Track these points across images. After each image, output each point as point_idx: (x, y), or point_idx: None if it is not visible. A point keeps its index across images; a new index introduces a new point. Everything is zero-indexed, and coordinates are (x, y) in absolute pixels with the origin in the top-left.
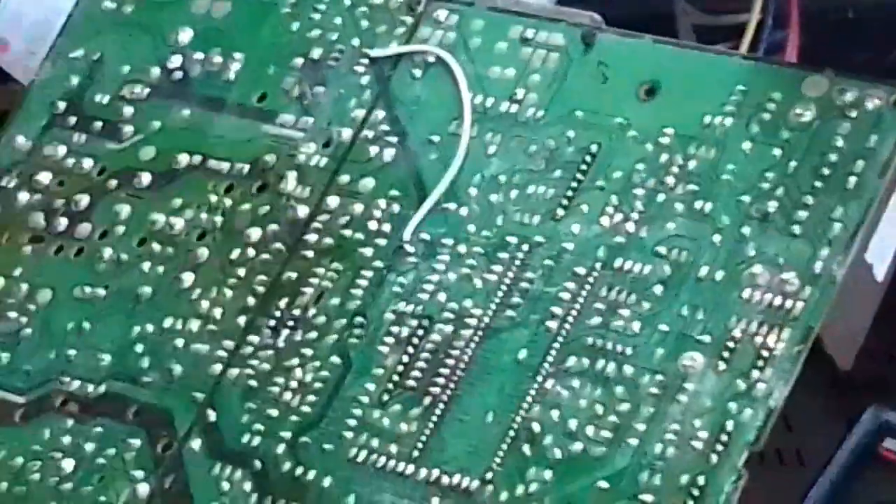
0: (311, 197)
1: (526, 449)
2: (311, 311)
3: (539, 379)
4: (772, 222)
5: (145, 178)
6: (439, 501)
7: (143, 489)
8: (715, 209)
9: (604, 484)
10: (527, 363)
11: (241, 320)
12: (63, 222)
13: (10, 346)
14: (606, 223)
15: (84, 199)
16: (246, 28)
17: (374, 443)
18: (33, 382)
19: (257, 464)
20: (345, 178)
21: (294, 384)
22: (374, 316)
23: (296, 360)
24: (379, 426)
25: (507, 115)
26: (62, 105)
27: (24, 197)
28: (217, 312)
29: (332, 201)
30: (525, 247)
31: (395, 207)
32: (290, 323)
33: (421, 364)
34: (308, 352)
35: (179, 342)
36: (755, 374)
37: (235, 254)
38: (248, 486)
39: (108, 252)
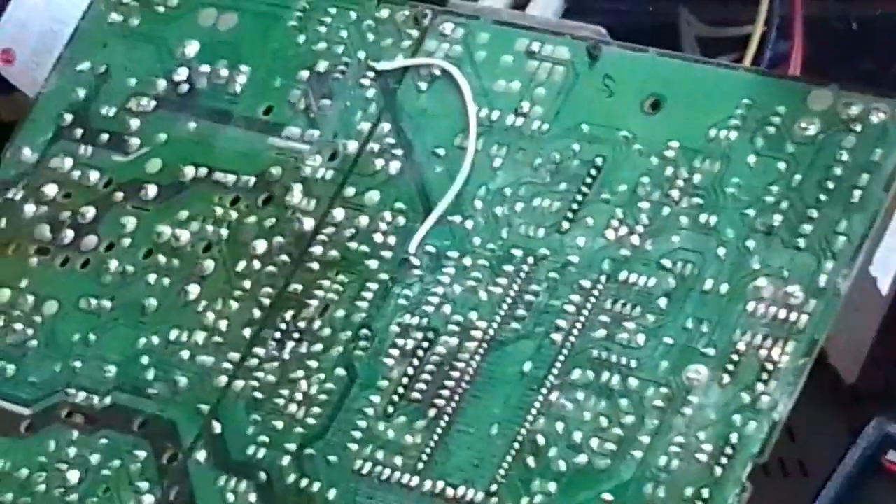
0: (317, 209)
1: (531, 461)
2: (317, 324)
3: (544, 391)
4: (776, 235)
5: (151, 190)
6: None
7: (149, 500)
8: (720, 222)
9: (608, 496)
10: (532, 375)
11: (247, 332)
12: (69, 234)
13: (16, 357)
14: (611, 236)
15: (90, 212)
16: (252, 41)
17: (379, 455)
18: (39, 394)
19: (262, 475)
20: (350, 191)
21: (299, 396)
22: (379, 328)
23: (301, 373)
24: (384, 438)
25: (513, 128)
26: (69, 117)
27: (30, 209)
28: (223, 324)
29: (338, 214)
30: (530, 259)
31: (401, 220)
32: (296, 335)
33: (426, 376)
34: (313, 364)
35: (185, 354)
36: (760, 386)
37: (241, 266)
38: (253, 497)
39: (114, 264)
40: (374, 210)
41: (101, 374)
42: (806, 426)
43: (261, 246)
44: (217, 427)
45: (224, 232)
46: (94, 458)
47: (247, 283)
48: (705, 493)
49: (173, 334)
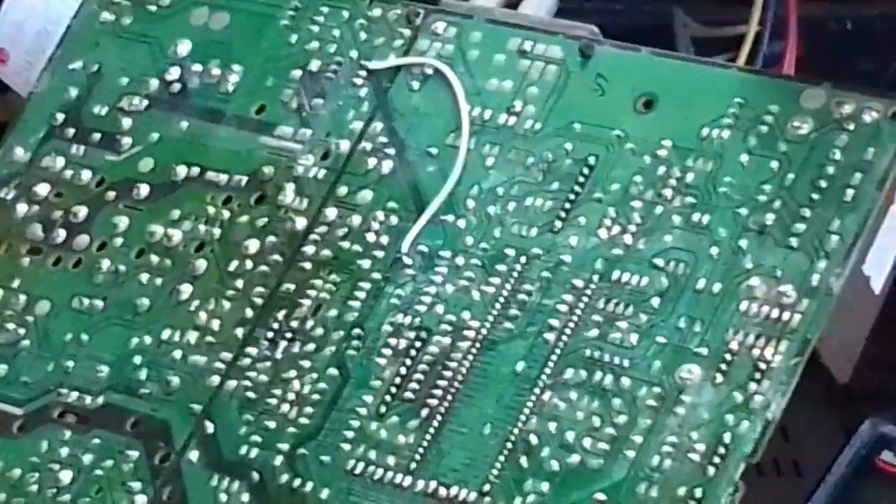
0: (310, 209)
1: (523, 461)
2: (310, 323)
3: (537, 391)
4: (769, 235)
5: (143, 189)
6: None
7: (141, 500)
8: (712, 221)
9: (601, 496)
10: (524, 375)
11: (239, 332)
12: (61, 234)
13: (9, 357)
14: (604, 235)
15: (82, 211)
16: (244, 40)
17: (372, 454)
18: (31, 394)
19: (255, 475)
20: (343, 190)
21: (292, 396)
22: (371, 328)
23: (294, 372)
24: (377, 438)
25: (505, 127)
26: (61, 117)
27: (22, 208)
28: (215, 324)
29: (331, 213)
30: (523, 259)
31: (394, 219)
32: (288, 335)
33: (419, 376)
34: (306, 364)
35: (177, 354)
36: (752, 386)
37: (233, 265)
38: (245, 497)
39: (106, 264)
40: (366, 209)
41: (94, 374)
42: (799, 426)
43: (253, 245)
44: (210, 427)
45: (216, 231)
46: (87, 458)
47: (239, 283)
48: (698, 492)
49: (166, 334)
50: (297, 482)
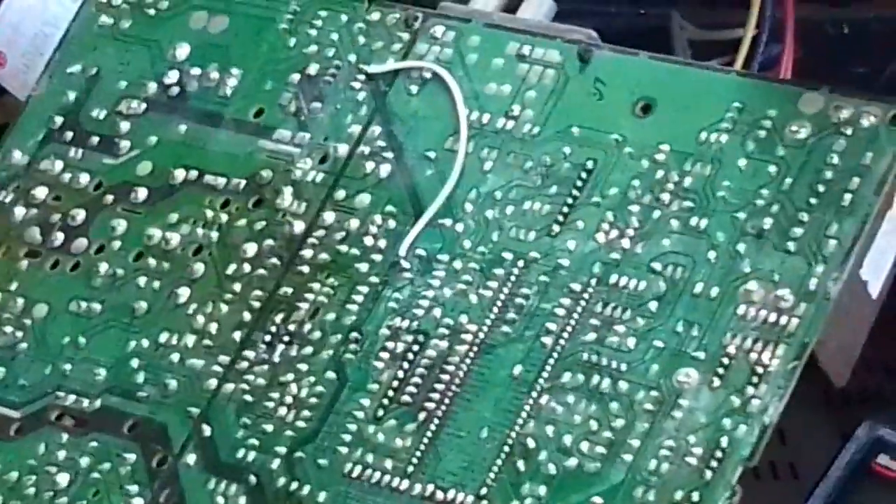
0: (308, 212)
1: (521, 464)
2: (307, 327)
3: (534, 394)
4: (767, 239)
5: (142, 193)
6: None
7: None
8: (710, 225)
9: (598, 500)
10: (522, 379)
11: (237, 335)
12: (59, 237)
13: (6, 360)
14: (602, 239)
15: (80, 214)
16: (243, 44)
17: (370, 458)
18: (29, 397)
19: (252, 479)
20: (341, 194)
21: (289, 399)
22: (369, 331)
23: (291, 376)
24: (374, 441)
25: (504, 131)
26: (59, 120)
27: (20, 212)
28: (213, 327)
29: (329, 217)
30: (520, 263)
31: (391, 223)
32: (286, 338)
33: (416, 379)
34: (303, 367)
35: (175, 357)
36: (750, 390)
37: (231, 269)
38: (242, 500)
39: (104, 267)
40: (364, 213)
41: (91, 377)
42: (796, 430)
43: (251, 249)
44: (207, 430)
45: (214, 235)
46: (84, 461)
47: (237, 286)
48: (695, 496)
49: (163, 337)
50: (294, 485)
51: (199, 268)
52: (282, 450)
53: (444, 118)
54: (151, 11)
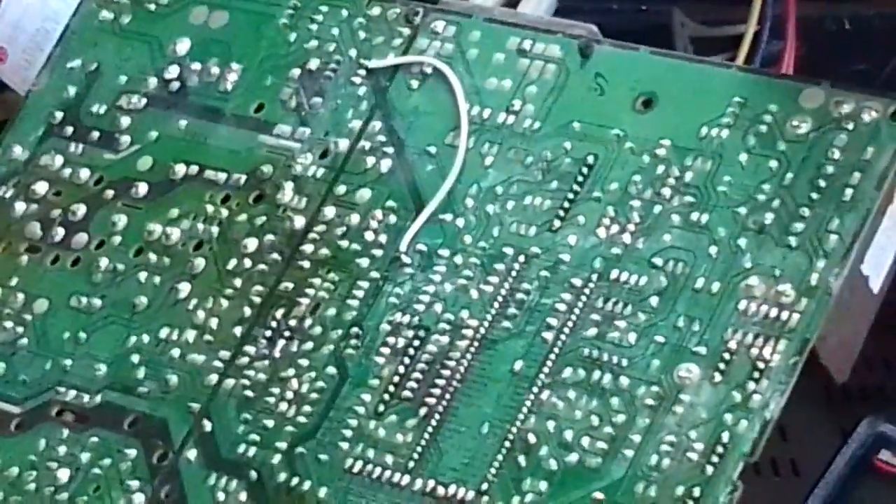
0: (308, 207)
1: (522, 460)
2: (308, 322)
3: (535, 390)
4: (768, 234)
5: (142, 188)
6: None
7: (139, 499)
8: (711, 221)
9: (599, 495)
10: (523, 374)
11: (238, 331)
12: (60, 232)
13: (7, 355)
14: (603, 234)
15: (81, 209)
16: (243, 39)
17: (370, 453)
18: (29, 392)
19: (253, 474)
20: (342, 189)
21: (290, 395)
22: (370, 327)
23: (292, 371)
24: (375, 437)
25: (504, 126)
26: (59, 115)
27: (20, 207)
28: (213, 323)
29: (329, 212)
30: (521, 258)
31: (392, 218)
32: (287, 333)
33: (417, 375)
34: (304, 362)
35: (175, 352)
36: (751, 385)
37: (232, 264)
38: (243, 496)
39: (104, 262)
40: (365, 208)
41: (92, 373)
42: (798, 425)
43: (252, 244)
44: (208, 425)
45: (215, 230)
46: (85, 457)
47: (238, 282)
48: (696, 492)
49: (164, 332)
50: (295, 481)
51: (200, 263)
52: (282, 445)
53: (444, 113)
54: (152, 6)
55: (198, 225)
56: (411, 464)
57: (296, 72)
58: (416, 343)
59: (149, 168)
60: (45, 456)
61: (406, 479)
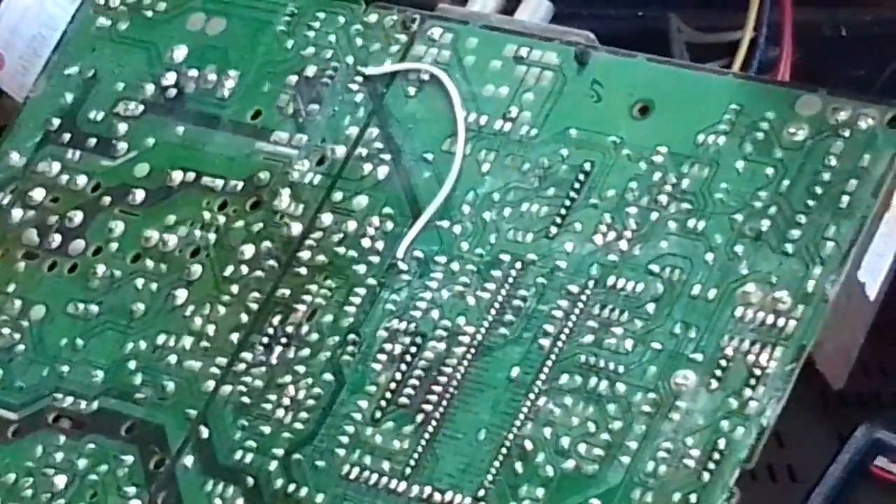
0: (305, 214)
1: (518, 466)
2: (305, 329)
3: (531, 396)
4: (765, 241)
5: (139, 194)
6: None
7: None
8: (708, 228)
9: (596, 502)
10: (519, 381)
11: (234, 337)
12: (57, 239)
13: (4, 362)
14: (600, 241)
15: (78, 216)
16: (241, 45)
17: (367, 460)
18: (26, 399)
19: (250, 480)
20: (338, 196)
21: (287, 401)
22: (367, 333)
23: (289, 378)
24: (372, 443)
25: (501, 133)
26: (56, 121)
27: (17, 213)
28: (210, 329)
29: (326, 218)
30: (518, 265)
31: (389, 225)
32: (284, 340)
33: (414, 381)
34: (301, 369)
35: (172, 359)
36: (747, 392)
37: (229, 271)
38: (240, 502)
39: (101, 269)
40: (361, 215)
41: (89, 379)
42: (794, 432)
43: (248, 250)
44: (204, 432)
45: (212, 237)
46: (82, 463)
47: (234, 288)
48: (693, 498)
49: (161, 339)
50: (291, 487)
51: (197, 269)
52: (279, 451)
53: (441, 120)
54: (149, 13)
55: (195, 231)
56: (408, 470)
57: (293, 78)
58: (413, 350)
59: (146, 175)
60: (41, 462)
61: (403, 485)
